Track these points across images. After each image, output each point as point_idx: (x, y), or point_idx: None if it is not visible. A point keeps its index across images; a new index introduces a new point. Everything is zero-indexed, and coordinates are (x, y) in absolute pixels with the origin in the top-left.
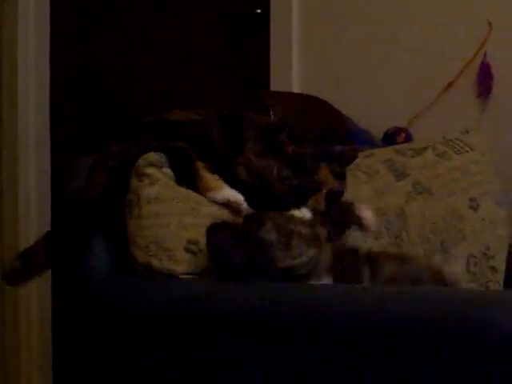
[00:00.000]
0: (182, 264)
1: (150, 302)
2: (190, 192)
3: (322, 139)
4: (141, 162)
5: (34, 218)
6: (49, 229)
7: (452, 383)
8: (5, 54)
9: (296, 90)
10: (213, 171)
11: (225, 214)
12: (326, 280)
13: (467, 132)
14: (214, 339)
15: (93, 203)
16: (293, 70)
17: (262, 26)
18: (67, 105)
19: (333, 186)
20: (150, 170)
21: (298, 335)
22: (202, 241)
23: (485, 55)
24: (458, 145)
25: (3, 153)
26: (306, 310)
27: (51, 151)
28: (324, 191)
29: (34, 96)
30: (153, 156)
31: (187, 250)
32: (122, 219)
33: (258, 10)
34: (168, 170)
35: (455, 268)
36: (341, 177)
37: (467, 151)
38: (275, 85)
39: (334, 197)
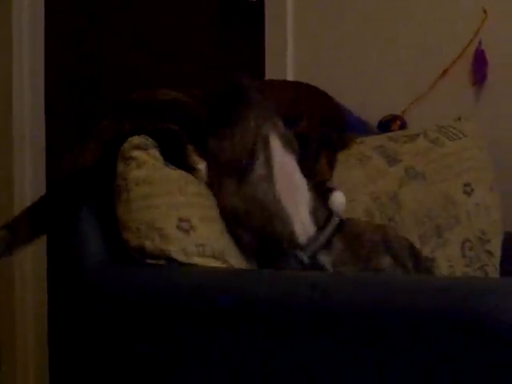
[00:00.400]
0: (174, 242)
1: (146, 289)
2: (176, 172)
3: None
4: (126, 145)
5: None
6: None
7: (451, 372)
8: None
9: (291, 78)
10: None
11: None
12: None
13: (459, 119)
14: (212, 329)
15: (84, 171)
16: (288, 58)
17: (256, 15)
18: (62, 104)
19: (326, 177)
20: (136, 153)
21: (301, 326)
22: (194, 219)
23: (480, 43)
24: (451, 131)
25: None
26: (312, 301)
27: (46, 151)
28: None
29: (29, 96)
30: (137, 139)
31: (179, 228)
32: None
33: None
34: (154, 152)
35: (450, 252)
36: (332, 165)
37: (460, 137)
38: (270, 73)
39: (323, 190)
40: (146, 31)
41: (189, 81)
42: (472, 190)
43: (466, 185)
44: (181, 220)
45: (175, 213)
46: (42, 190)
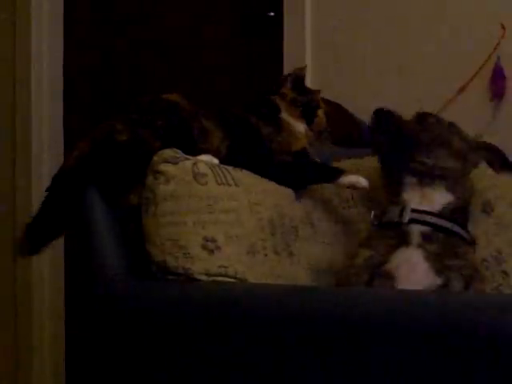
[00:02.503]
0: (197, 262)
1: (163, 305)
2: (206, 188)
3: (335, 142)
4: (155, 158)
5: None
6: None
7: None
8: (17, 44)
9: None
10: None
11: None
12: None
13: (481, 136)
14: (233, 344)
15: (68, 172)
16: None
17: (275, 29)
18: (81, 111)
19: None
20: (165, 167)
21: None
22: (219, 238)
23: (498, 58)
24: None
25: (17, 148)
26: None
27: (64, 144)
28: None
29: (48, 89)
30: (167, 152)
31: (204, 247)
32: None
33: (271, 13)
34: (184, 165)
35: None
36: None
37: None
38: None
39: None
40: (167, 42)
41: (209, 91)
42: (492, 209)
43: (485, 204)
44: (206, 239)
45: (201, 231)
46: None
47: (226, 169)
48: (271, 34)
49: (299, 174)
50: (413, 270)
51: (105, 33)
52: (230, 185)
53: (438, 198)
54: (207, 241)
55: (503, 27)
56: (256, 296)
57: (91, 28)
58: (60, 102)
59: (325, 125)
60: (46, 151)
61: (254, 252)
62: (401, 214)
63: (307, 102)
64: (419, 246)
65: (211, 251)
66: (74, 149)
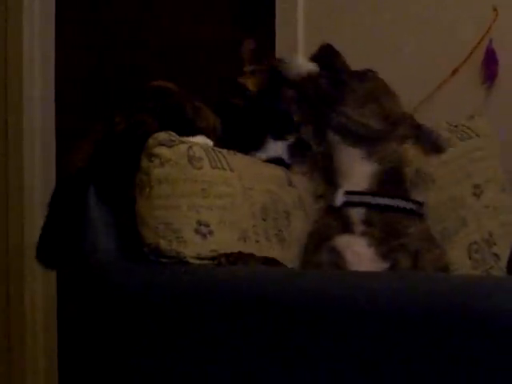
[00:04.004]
0: (190, 246)
1: (156, 287)
2: (201, 172)
3: None
4: (150, 141)
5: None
6: None
7: (455, 373)
8: (9, 43)
9: None
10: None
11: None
12: None
13: (472, 117)
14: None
15: (78, 172)
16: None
17: (267, 12)
18: (72, 103)
19: None
20: (160, 150)
21: (325, 324)
22: (213, 222)
23: (490, 41)
24: (463, 131)
25: (9, 147)
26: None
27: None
28: None
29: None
30: (162, 135)
31: (197, 231)
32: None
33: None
34: (179, 148)
35: (457, 255)
36: None
37: (472, 137)
38: None
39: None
40: (156, 29)
41: (198, 75)
42: (481, 192)
43: (475, 186)
44: (200, 223)
45: (195, 215)
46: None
47: (220, 152)
48: (263, 16)
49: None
50: (358, 256)
51: (97, 33)
52: (224, 169)
53: (360, 172)
54: (200, 225)
55: (495, 10)
56: (247, 279)
57: (83, 29)
58: (52, 103)
59: None
60: (37, 150)
61: (245, 238)
62: (334, 198)
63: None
64: (362, 233)
65: (204, 235)
66: (76, 150)
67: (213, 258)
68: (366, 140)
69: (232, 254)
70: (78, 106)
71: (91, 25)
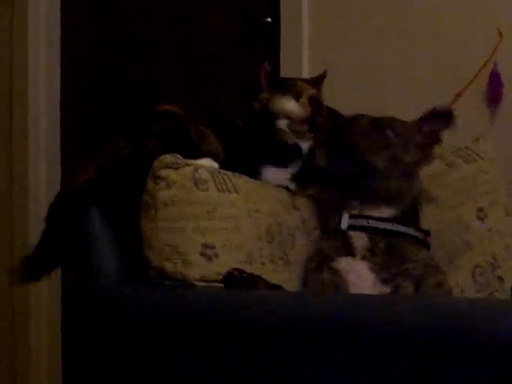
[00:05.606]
0: (195, 268)
1: (162, 310)
2: (206, 194)
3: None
4: (156, 163)
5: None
6: None
7: None
8: (15, 57)
9: None
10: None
11: (241, 219)
12: None
13: (477, 140)
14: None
15: (79, 193)
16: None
17: (271, 35)
18: (77, 111)
19: (313, 93)
20: (166, 172)
21: (326, 344)
22: (218, 245)
23: (495, 64)
24: (468, 154)
25: (14, 157)
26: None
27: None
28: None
29: (45, 104)
30: (169, 157)
31: (202, 254)
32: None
33: (269, 19)
34: (185, 171)
35: (461, 278)
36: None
37: (476, 160)
38: None
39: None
40: (167, 49)
41: (207, 97)
42: (486, 215)
43: (479, 210)
44: (205, 246)
45: (200, 238)
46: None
47: (226, 175)
48: (268, 40)
49: None
50: (359, 279)
51: (104, 46)
52: (230, 191)
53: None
54: (206, 247)
55: (500, 33)
56: (253, 302)
57: (90, 40)
58: (57, 114)
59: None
60: (42, 159)
61: (251, 261)
62: (339, 221)
63: None
64: (363, 257)
65: (209, 258)
66: (79, 171)
67: (219, 281)
68: (386, 199)
69: (245, 271)
70: (84, 121)
71: (98, 33)
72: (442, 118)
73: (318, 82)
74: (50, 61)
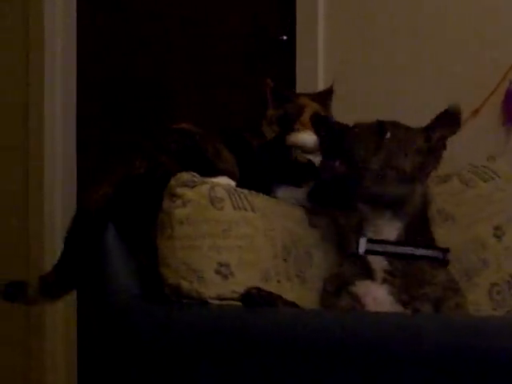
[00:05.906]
0: (211, 287)
1: (178, 328)
2: (222, 212)
3: None
4: (173, 182)
5: (59, 233)
6: None
7: None
8: (31, 56)
9: None
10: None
11: (257, 237)
12: None
13: (493, 159)
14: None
15: (97, 212)
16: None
17: (287, 53)
18: (93, 128)
19: (316, 108)
20: (183, 191)
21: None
22: (233, 263)
23: (510, 82)
24: (484, 172)
25: (30, 157)
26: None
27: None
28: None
29: (61, 116)
30: (185, 176)
31: (218, 272)
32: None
33: (284, 37)
34: (201, 189)
35: (478, 296)
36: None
37: (493, 178)
38: None
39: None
40: (180, 49)
41: (219, 97)
42: (503, 233)
43: (496, 228)
44: (220, 264)
45: (216, 256)
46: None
47: (242, 193)
48: (284, 58)
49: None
50: (379, 303)
51: (118, 46)
52: (246, 210)
53: (388, 230)
54: (221, 266)
55: None
56: (270, 320)
57: (104, 40)
58: (73, 114)
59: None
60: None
61: (267, 279)
62: (358, 246)
63: (284, 115)
64: (383, 281)
65: (225, 276)
66: (95, 189)
67: (234, 299)
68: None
69: (263, 289)
70: (98, 116)
71: (115, 53)
72: (449, 122)
73: (324, 96)
74: (66, 61)
